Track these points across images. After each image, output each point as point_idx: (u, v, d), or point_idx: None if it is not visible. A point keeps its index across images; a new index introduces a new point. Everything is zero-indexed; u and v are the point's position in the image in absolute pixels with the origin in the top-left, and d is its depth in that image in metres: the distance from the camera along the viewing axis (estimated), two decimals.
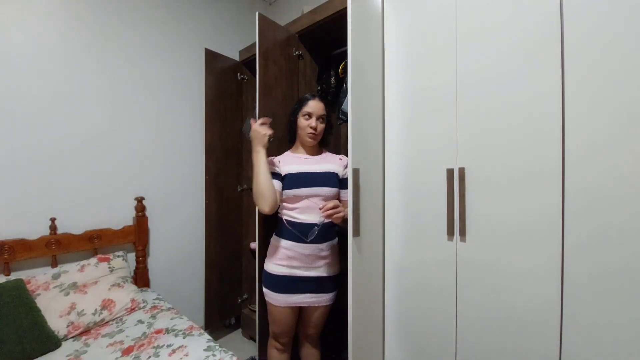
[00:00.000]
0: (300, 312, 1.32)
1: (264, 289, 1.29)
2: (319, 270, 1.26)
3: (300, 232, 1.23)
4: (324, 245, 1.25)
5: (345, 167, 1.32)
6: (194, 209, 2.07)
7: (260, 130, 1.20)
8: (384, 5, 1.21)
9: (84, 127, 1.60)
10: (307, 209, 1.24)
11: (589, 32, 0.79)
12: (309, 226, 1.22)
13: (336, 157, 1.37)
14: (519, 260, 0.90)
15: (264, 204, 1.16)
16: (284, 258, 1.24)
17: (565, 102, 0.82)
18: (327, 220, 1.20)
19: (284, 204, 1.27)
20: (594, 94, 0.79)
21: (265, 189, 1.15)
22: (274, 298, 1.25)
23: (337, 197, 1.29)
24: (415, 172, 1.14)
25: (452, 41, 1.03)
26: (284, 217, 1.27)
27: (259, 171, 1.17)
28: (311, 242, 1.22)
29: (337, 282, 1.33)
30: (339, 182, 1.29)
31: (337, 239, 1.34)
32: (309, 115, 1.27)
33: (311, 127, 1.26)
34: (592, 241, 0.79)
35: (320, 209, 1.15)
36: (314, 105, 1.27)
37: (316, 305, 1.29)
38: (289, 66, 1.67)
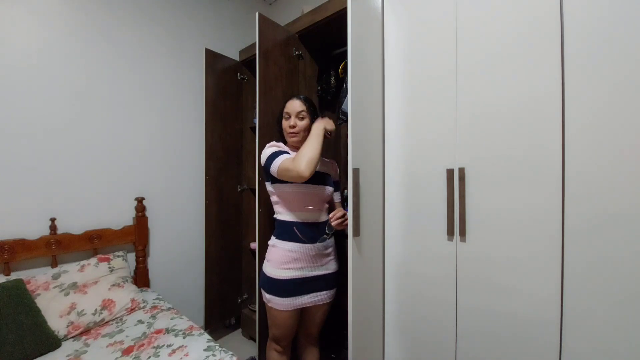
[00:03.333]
0: (302, 313, 1.31)
1: (268, 295, 1.24)
2: (323, 268, 1.28)
3: (306, 234, 1.23)
4: (326, 243, 1.28)
5: (336, 171, 1.42)
6: (194, 209, 2.07)
7: (332, 123, 1.26)
8: (384, 5, 1.21)
9: (84, 126, 1.60)
10: (309, 208, 1.25)
11: (589, 28, 0.79)
12: (314, 226, 1.24)
13: (328, 161, 1.42)
14: (519, 260, 0.90)
15: (310, 170, 1.09)
16: (289, 261, 1.22)
17: (566, 102, 0.82)
18: (336, 229, 1.23)
19: (284, 203, 1.26)
20: (595, 94, 0.79)
21: (318, 160, 1.13)
22: (279, 303, 1.21)
23: (332, 197, 1.36)
24: (415, 172, 1.14)
25: (452, 41, 1.03)
26: (285, 218, 1.26)
27: (319, 143, 1.15)
28: (315, 241, 1.24)
29: (337, 279, 1.34)
30: (333, 184, 1.36)
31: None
32: (288, 115, 1.30)
33: (290, 127, 1.29)
34: (593, 241, 0.79)
35: (330, 217, 1.22)
36: (290, 105, 1.30)
37: (320, 303, 1.29)
38: (289, 66, 1.67)
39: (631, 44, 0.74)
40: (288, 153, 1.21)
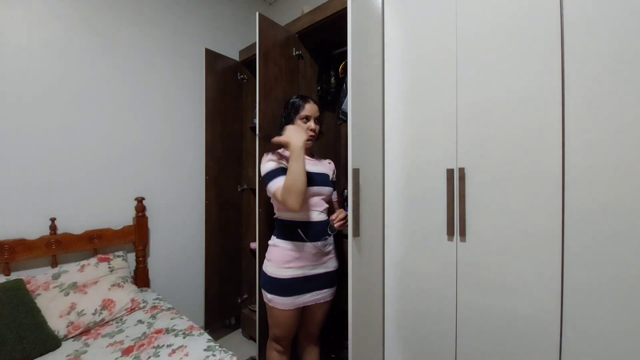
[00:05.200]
0: (302, 312, 1.32)
1: (269, 295, 1.24)
2: (324, 267, 1.29)
3: (308, 233, 1.23)
4: (326, 242, 1.28)
5: (334, 171, 1.43)
6: (194, 209, 2.07)
7: (300, 129, 1.19)
8: (384, 5, 1.21)
9: (84, 127, 1.60)
10: (308, 207, 1.25)
11: (589, 25, 0.79)
12: (315, 225, 1.25)
13: (325, 161, 1.43)
14: (519, 260, 0.90)
15: (300, 203, 1.09)
16: (290, 260, 1.23)
17: (566, 101, 0.82)
18: (338, 229, 1.25)
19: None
20: (595, 92, 0.79)
21: (305, 187, 1.10)
22: (280, 302, 1.22)
23: (331, 197, 1.37)
24: (415, 172, 1.14)
25: (452, 41, 1.03)
26: (287, 218, 1.27)
27: (302, 170, 1.10)
28: (315, 240, 1.24)
29: (337, 277, 1.35)
30: (332, 183, 1.37)
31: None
32: (307, 118, 1.30)
33: (311, 130, 1.30)
34: (593, 240, 0.79)
35: (332, 219, 1.23)
36: (310, 108, 1.31)
37: (321, 302, 1.30)
38: (289, 66, 1.67)
39: (632, 42, 0.74)
40: (283, 170, 1.18)
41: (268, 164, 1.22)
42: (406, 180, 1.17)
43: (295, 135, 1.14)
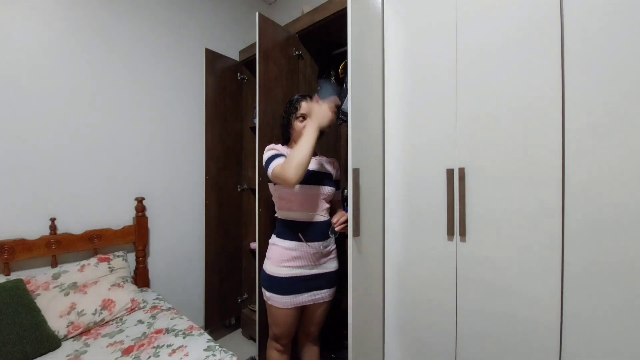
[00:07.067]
0: (302, 311, 1.32)
1: (267, 293, 1.25)
2: (323, 267, 1.28)
3: (306, 234, 1.23)
4: (326, 243, 1.28)
5: (337, 170, 1.41)
6: (194, 209, 2.07)
7: (330, 113, 1.16)
8: (384, 5, 1.21)
9: (84, 126, 1.60)
10: (309, 207, 1.25)
11: (589, 28, 0.79)
12: (314, 225, 1.25)
13: (329, 160, 1.42)
14: (519, 260, 0.90)
15: (299, 175, 1.05)
16: (289, 259, 1.23)
17: (566, 102, 0.82)
18: (340, 232, 1.25)
19: (284, 202, 1.27)
20: (595, 93, 0.79)
21: (307, 163, 1.08)
22: (279, 301, 1.22)
23: (333, 196, 1.35)
24: (415, 172, 1.14)
25: (452, 41, 1.03)
26: (286, 218, 1.27)
27: (310, 146, 1.08)
28: (314, 240, 1.24)
29: (337, 277, 1.35)
30: (334, 183, 1.35)
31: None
32: (303, 117, 1.28)
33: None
34: (593, 241, 0.79)
35: (334, 222, 1.24)
36: (307, 107, 1.28)
37: (320, 302, 1.30)
38: (289, 66, 1.67)
39: (631, 44, 0.74)
40: (283, 155, 1.18)
41: (268, 152, 1.22)
42: (406, 180, 1.17)
43: (320, 113, 1.14)
